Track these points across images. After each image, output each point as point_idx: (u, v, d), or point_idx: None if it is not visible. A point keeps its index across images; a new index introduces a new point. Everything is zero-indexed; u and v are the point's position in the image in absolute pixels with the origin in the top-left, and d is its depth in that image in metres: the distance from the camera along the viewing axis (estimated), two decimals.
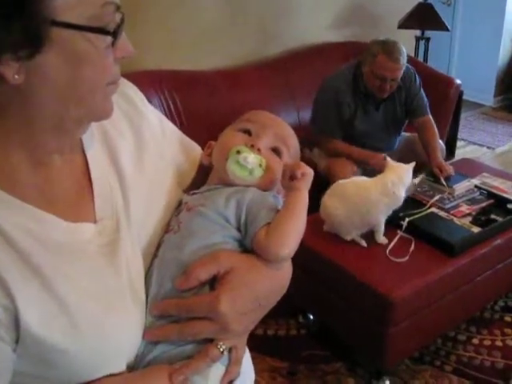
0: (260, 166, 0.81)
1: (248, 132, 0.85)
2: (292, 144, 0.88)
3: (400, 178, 2.19)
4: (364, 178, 2.32)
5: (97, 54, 0.62)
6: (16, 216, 0.64)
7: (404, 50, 2.87)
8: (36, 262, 0.63)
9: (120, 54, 0.66)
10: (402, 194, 2.21)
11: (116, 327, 0.68)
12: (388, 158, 2.30)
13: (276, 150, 0.85)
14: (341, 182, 2.33)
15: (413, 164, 2.26)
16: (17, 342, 0.62)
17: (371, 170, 2.99)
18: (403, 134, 3.25)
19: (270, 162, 0.82)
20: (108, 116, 0.70)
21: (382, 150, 2.96)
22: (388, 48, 2.82)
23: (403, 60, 2.84)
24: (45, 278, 0.63)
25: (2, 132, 0.65)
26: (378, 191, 2.18)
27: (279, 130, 0.87)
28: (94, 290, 0.67)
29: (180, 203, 0.83)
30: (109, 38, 0.62)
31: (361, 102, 3.00)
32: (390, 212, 2.24)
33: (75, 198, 0.72)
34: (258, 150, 0.82)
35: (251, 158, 0.80)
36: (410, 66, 3.01)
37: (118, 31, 0.63)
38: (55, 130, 0.67)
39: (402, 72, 2.88)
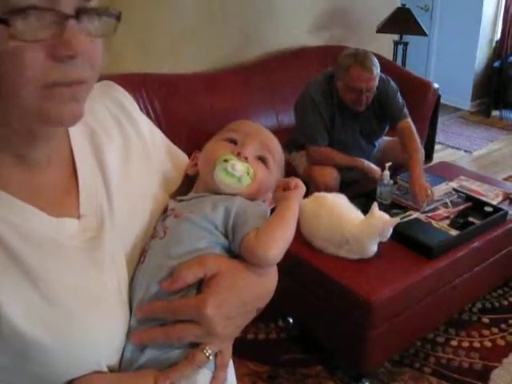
0: (248, 174, 0.81)
1: (234, 141, 0.85)
2: (277, 151, 0.89)
3: (371, 232, 2.11)
4: (346, 209, 2.24)
5: (4, 48, 0.55)
6: None
7: (376, 60, 2.84)
8: (18, 253, 0.63)
9: (63, 52, 0.57)
10: (369, 248, 2.15)
11: (97, 324, 0.68)
12: (374, 205, 2.18)
13: (262, 159, 0.85)
14: (324, 197, 2.29)
15: (396, 220, 2.17)
16: None
17: (352, 176, 3.02)
18: (383, 137, 3.27)
19: (257, 170, 0.83)
20: (70, 122, 0.64)
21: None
22: (360, 59, 2.79)
23: (377, 69, 2.81)
24: (27, 271, 0.63)
25: None
26: (343, 237, 2.15)
27: (263, 138, 0.88)
28: (76, 285, 0.67)
29: (166, 209, 0.82)
30: (11, 28, 0.54)
31: (338, 113, 2.97)
32: (353, 255, 2.20)
33: (59, 194, 0.71)
34: (245, 158, 0.82)
35: (239, 166, 0.81)
36: (383, 75, 2.95)
37: (14, 18, 0.54)
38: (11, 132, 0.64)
39: (377, 81, 2.85)
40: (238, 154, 0.82)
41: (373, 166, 2.94)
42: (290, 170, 3.20)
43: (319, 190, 2.60)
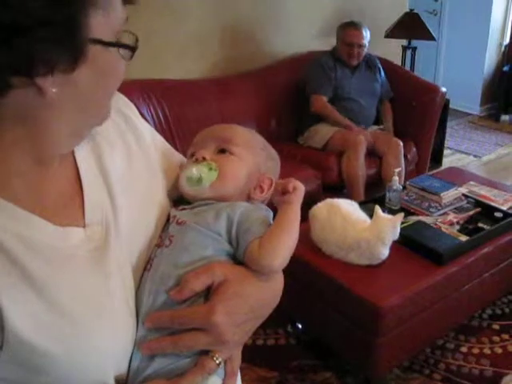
0: (211, 169, 0.81)
1: (193, 154, 0.86)
2: (237, 136, 0.87)
3: (381, 233, 2.10)
4: (358, 215, 2.24)
5: (121, 66, 0.67)
6: (1, 217, 0.63)
7: (368, 30, 3.68)
8: (22, 263, 0.62)
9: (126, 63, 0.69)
10: (381, 251, 2.15)
11: (104, 333, 0.68)
12: (377, 207, 2.18)
13: (224, 151, 0.84)
14: (337, 203, 2.28)
15: (401, 215, 2.17)
16: (1, 347, 0.61)
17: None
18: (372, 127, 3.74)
19: (221, 161, 0.83)
20: (109, 117, 0.74)
21: (360, 119, 3.64)
22: (351, 22, 3.70)
23: (365, 32, 3.64)
24: (32, 281, 0.62)
25: (8, 137, 0.64)
26: (355, 241, 2.15)
27: (216, 133, 0.87)
28: (82, 294, 0.67)
29: (169, 217, 0.82)
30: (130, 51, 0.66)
31: (339, 66, 3.66)
32: (363, 260, 2.20)
33: (65, 202, 0.71)
34: (203, 158, 0.82)
35: (195, 168, 0.81)
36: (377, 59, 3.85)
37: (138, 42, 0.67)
38: (71, 136, 0.68)
39: (367, 43, 3.63)
40: (196, 160, 0.83)
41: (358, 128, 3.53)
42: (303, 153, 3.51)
43: (355, 148, 3.32)
